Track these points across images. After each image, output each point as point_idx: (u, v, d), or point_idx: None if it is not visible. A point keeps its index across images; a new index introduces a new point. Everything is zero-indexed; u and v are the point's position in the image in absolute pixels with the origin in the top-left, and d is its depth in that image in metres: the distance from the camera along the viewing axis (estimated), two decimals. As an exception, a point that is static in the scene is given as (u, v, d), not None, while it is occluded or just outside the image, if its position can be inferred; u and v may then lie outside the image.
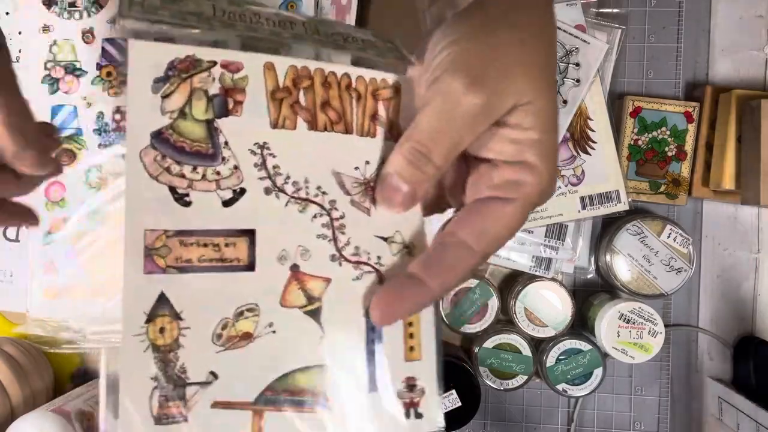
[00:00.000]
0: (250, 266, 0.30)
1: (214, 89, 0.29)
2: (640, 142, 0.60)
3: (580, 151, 0.57)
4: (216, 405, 0.29)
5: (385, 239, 0.33)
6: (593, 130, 0.57)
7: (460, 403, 0.55)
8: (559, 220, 0.57)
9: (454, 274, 0.31)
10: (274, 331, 0.30)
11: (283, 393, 0.30)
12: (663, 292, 0.58)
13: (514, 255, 0.59)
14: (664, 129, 0.60)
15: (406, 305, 0.31)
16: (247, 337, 0.29)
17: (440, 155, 0.30)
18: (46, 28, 0.56)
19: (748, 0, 0.62)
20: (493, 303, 0.58)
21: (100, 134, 0.56)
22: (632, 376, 0.63)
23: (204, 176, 0.29)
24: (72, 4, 0.56)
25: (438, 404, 0.33)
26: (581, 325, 0.61)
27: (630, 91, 0.62)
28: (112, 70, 0.56)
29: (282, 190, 0.31)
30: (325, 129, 0.32)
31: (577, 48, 0.56)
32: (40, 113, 0.56)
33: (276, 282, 0.30)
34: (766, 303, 0.62)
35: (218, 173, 0.29)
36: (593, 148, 0.57)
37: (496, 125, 0.30)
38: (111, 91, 0.56)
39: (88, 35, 0.55)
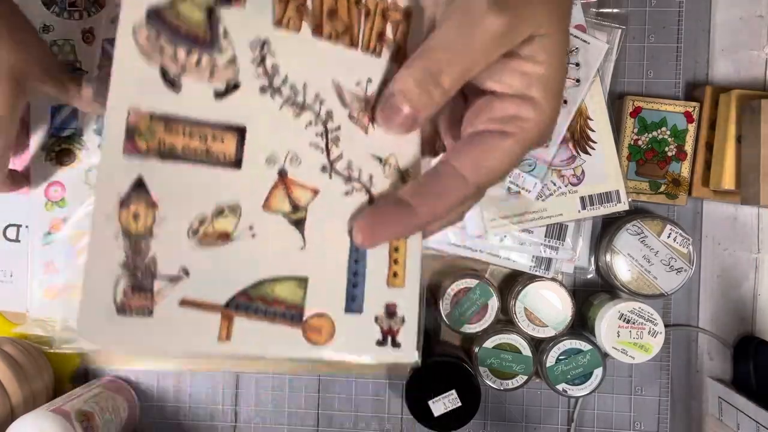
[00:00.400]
0: (237, 164, 0.29)
1: None
2: (640, 142, 0.60)
3: (580, 151, 0.57)
4: (184, 303, 0.27)
5: (380, 160, 0.32)
6: (593, 130, 0.57)
7: (460, 403, 0.55)
8: (559, 220, 0.57)
9: (445, 202, 0.30)
10: (254, 235, 0.29)
11: (257, 300, 0.29)
12: (663, 292, 0.58)
13: (514, 255, 0.59)
14: (664, 129, 0.60)
15: (391, 229, 0.30)
16: (225, 236, 0.28)
17: (451, 78, 0.29)
18: (45, 28, 0.56)
19: (748, 0, 0.62)
20: (493, 303, 0.58)
21: (100, 134, 0.56)
22: (632, 376, 0.63)
23: (198, 62, 0.28)
24: (72, 4, 0.56)
25: (415, 337, 0.32)
26: (581, 325, 0.61)
27: (630, 91, 0.62)
28: None
29: (278, 91, 0.30)
30: (330, 38, 0.31)
31: (577, 48, 0.56)
32: (39, 113, 0.56)
33: (261, 184, 0.29)
34: (766, 303, 0.62)
35: (213, 62, 0.28)
36: (593, 148, 0.57)
37: (506, 55, 0.29)
38: None
39: (88, 35, 0.55)
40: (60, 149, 0.56)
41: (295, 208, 0.30)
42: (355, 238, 0.30)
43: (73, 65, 0.56)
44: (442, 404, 0.56)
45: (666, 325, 0.57)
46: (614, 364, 0.62)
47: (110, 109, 0.26)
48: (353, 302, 0.31)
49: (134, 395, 0.63)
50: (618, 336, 0.56)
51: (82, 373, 0.64)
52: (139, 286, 0.27)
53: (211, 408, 0.64)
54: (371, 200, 0.32)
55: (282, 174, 0.30)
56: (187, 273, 0.28)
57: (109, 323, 0.26)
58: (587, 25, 0.57)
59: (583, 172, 0.57)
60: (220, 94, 0.28)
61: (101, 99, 0.48)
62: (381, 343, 0.31)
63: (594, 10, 0.58)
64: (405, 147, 0.33)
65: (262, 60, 0.29)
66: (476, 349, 0.59)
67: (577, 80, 0.56)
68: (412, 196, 0.30)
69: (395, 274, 0.31)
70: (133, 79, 0.27)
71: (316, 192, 0.30)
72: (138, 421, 0.64)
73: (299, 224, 0.30)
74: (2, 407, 0.56)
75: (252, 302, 0.28)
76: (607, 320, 0.56)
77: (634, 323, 0.56)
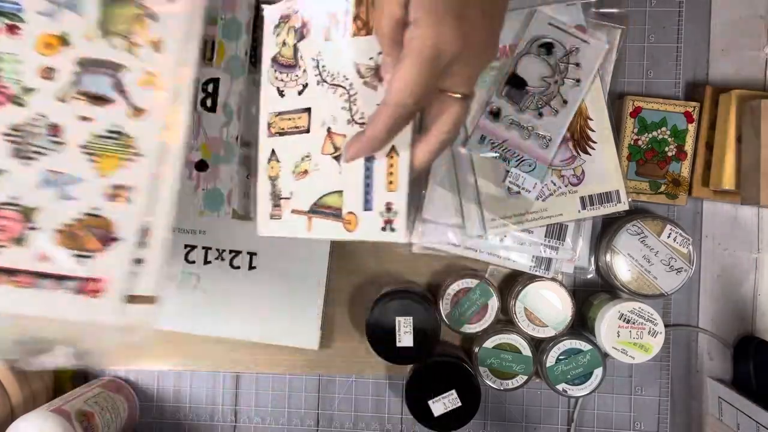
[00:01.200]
0: (308, 130, 0.47)
1: (298, 23, 0.48)
2: (640, 142, 0.60)
3: (580, 151, 0.57)
4: (293, 212, 0.48)
5: None
6: (593, 130, 0.57)
7: (460, 403, 0.55)
8: (559, 220, 0.57)
9: (376, 123, 0.40)
10: (318, 170, 0.46)
11: (320, 207, 0.46)
12: (663, 292, 0.58)
13: (514, 255, 0.59)
14: (664, 129, 0.60)
15: (352, 149, 0.42)
16: (305, 172, 0.47)
17: (383, 24, 0.39)
18: None
19: (748, 0, 0.62)
20: (493, 303, 0.58)
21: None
22: (632, 376, 0.63)
23: (291, 79, 0.49)
24: None
25: (404, 225, 0.45)
26: (581, 325, 0.61)
27: (630, 91, 0.62)
28: None
29: (325, 81, 0.46)
30: (354, 35, 0.44)
31: (577, 48, 0.56)
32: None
33: (319, 139, 0.46)
34: (766, 303, 0.62)
35: (297, 76, 0.48)
36: (593, 148, 0.57)
37: None
38: None
39: None
40: None
41: (336, 149, 0.46)
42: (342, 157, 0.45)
43: None
44: (442, 404, 0.56)
45: (666, 325, 0.57)
46: (614, 364, 0.62)
47: (262, 117, 0.51)
48: (368, 203, 0.45)
49: (134, 395, 0.63)
50: (618, 336, 0.56)
51: (82, 373, 0.64)
52: (276, 204, 0.49)
53: (211, 408, 0.64)
54: None
55: (328, 130, 0.46)
56: (292, 194, 0.48)
57: (268, 224, 0.50)
58: (587, 25, 0.57)
59: (583, 172, 0.57)
60: (300, 92, 0.48)
61: None
62: (383, 229, 0.45)
63: (594, 10, 0.58)
64: None
65: (317, 64, 0.47)
66: (476, 349, 0.59)
67: (577, 80, 0.56)
68: (366, 125, 0.42)
69: (391, 182, 0.45)
70: (267, 98, 0.50)
71: (345, 136, 0.45)
72: (138, 421, 0.64)
73: (338, 159, 0.45)
74: (2, 407, 0.56)
75: (318, 208, 0.47)
76: (607, 320, 0.56)
77: (634, 323, 0.56)
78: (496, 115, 0.56)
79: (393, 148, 0.45)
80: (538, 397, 0.63)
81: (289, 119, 0.48)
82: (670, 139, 0.60)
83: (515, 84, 0.56)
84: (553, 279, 0.59)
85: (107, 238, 0.43)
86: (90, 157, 0.44)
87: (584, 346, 0.58)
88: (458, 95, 0.40)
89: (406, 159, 0.44)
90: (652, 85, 0.62)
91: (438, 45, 0.37)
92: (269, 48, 0.50)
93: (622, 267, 0.58)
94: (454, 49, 0.37)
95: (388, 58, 0.40)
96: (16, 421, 0.52)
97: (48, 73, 0.44)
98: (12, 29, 0.43)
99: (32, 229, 0.42)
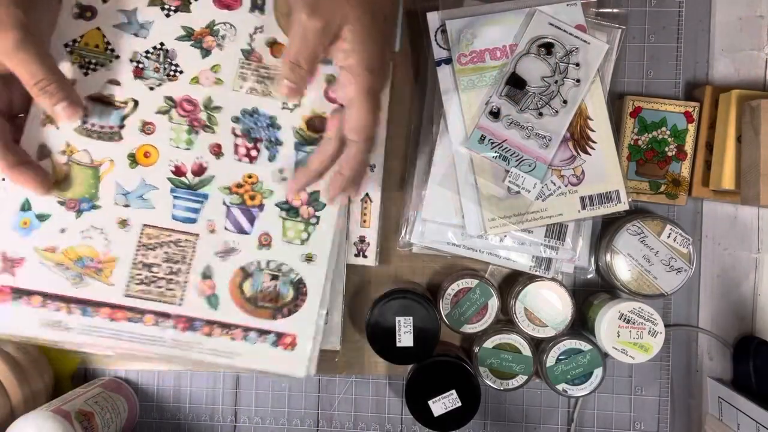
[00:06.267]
0: None
1: None
2: (640, 142, 0.60)
3: (580, 151, 0.57)
4: None
5: None
6: (593, 130, 0.57)
7: (460, 403, 0.55)
8: (559, 220, 0.57)
9: (319, 157, 0.50)
10: None
11: None
12: (663, 292, 0.58)
13: (514, 255, 0.59)
14: (664, 129, 0.60)
15: (298, 182, 0.52)
16: None
17: (305, 61, 0.46)
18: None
19: (748, 0, 0.62)
20: (493, 303, 0.58)
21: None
22: (632, 376, 0.63)
23: None
24: None
25: (375, 253, 0.60)
26: (581, 325, 0.61)
27: (630, 91, 0.62)
28: None
29: None
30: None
31: (577, 48, 0.56)
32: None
33: None
34: (766, 303, 0.62)
35: None
36: (593, 148, 0.57)
37: (336, 38, 0.45)
38: None
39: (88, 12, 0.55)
40: None
41: None
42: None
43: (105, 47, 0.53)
44: (442, 404, 0.56)
45: (666, 325, 0.57)
46: (614, 364, 0.62)
47: None
48: (346, 237, 0.59)
49: (134, 395, 0.63)
50: (618, 336, 0.56)
51: (82, 373, 0.64)
52: None
53: (211, 408, 0.64)
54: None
55: None
56: None
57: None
58: (587, 25, 0.57)
59: (583, 172, 0.57)
60: None
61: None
62: (357, 255, 0.59)
63: (594, 10, 0.58)
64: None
65: None
66: (476, 349, 0.59)
67: (577, 80, 0.56)
68: (341, 169, 0.50)
69: (365, 221, 0.59)
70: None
71: None
72: (138, 421, 0.64)
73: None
74: (2, 407, 0.56)
75: None
76: (607, 320, 0.56)
77: (634, 323, 0.56)
78: (496, 115, 0.56)
79: (367, 195, 0.59)
80: (538, 397, 0.63)
81: None
82: (670, 139, 0.60)
83: (515, 84, 0.56)
84: (553, 279, 0.59)
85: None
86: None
87: (584, 346, 0.58)
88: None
89: (378, 203, 0.59)
90: (652, 85, 0.62)
91: (367, 92, 0.45)
92: None
93: (622, 267, 0.58)
94: (376, 94, 0.46)
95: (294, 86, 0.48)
96: (16, 421, 0.52)
97: None
98: None
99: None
